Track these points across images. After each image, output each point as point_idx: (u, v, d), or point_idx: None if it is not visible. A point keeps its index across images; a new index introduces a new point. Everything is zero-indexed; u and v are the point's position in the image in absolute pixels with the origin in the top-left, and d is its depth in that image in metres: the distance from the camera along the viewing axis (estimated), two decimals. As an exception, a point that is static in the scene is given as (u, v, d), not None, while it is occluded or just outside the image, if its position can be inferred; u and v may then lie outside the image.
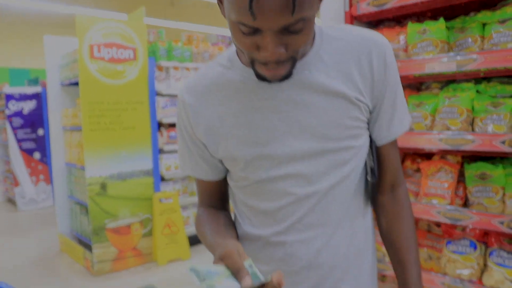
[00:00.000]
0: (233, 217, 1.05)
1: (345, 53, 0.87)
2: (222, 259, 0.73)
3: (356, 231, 0.94)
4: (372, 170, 0.94)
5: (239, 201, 0.99)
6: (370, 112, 0.92)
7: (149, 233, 4.12)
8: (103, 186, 3.82)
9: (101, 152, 3.80)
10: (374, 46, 0.87)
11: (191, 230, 4.43)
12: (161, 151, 4.27)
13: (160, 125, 4.33)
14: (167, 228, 4.08)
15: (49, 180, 6.71)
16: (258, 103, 0.87)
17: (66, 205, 4.53)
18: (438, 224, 1.96)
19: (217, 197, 1.04)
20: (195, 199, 4.49)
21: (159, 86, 4.22)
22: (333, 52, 0.87)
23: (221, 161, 0.97)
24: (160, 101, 4.18)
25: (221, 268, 0.71)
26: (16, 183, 6.48)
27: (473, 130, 1.71)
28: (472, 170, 1.75)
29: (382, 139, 0.94)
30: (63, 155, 4.45)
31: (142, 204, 4.05)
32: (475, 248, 1.74)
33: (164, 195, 4.07)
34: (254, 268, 0.71)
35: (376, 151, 0.96)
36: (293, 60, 0.78)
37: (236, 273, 0.69)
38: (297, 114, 0.86)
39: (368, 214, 0.99)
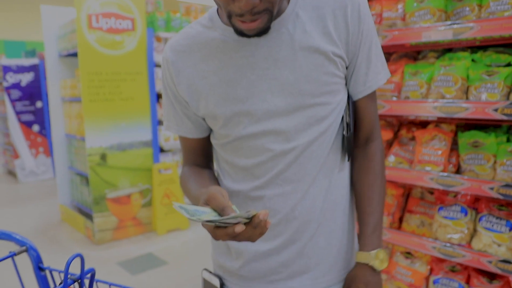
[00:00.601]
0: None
1: (320, 8, 0.89)
2: (207, 202, 0.74)
3: (333, 185, 0.97)
4: (348, 125, 0.97)
5: (221, 158, 1.02)
6: (347, 68, 0.94)
7: (149, 203, 4.19)
8: (103, 157, 3.86)
9: (101, 123, 3.82)
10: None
11: (190, 200, 4.51)
12: (160, 122, 4.29)
13: (159, 96, 4.34)
14: (166, 198, 4.15)
15: (48, 152, 6.75)
16: (237, 60, 0.89)
17: (66, 176, 4.58)
18: (431, 192, 2.01)
19: (201, 155, 1.07)
20: (194, 170, 4.55)
21: (158, 57, 4.21)
22: (308, 8, 0.89)
23: (204, 119, 0.99)
24: (158, 72, 4.18)
25: (207, 209, 0.72)
26: (16, 155, 6.53)
27: (467, 98, 1.75)
28: (465, 138, 1.79)
29: (357, 94, 0.97)
30: (63, 126, 4.48)
31: (141, 175, 4.11)
32: (465, 213, 1.80)
33: (163, 166, 4.12)
34: (238, 212, 0.73)
35: (353, 105, 0.98)
36: (269, 13, 0.80)
37: (222, 211, 0.71)
38: (275, 71, 0.88)
39: (345, 169, 1.01)
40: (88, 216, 4.09)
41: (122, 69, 3.87)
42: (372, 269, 0.96)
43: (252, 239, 0.72)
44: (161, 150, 4.35)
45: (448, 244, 1.77)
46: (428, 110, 1.75)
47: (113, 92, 3.85)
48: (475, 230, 1.78)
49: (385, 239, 1.98)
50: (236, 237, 0.71)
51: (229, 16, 0.81)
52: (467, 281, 1.81)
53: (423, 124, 2.05)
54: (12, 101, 6.41)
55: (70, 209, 4.43)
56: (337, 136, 0.96)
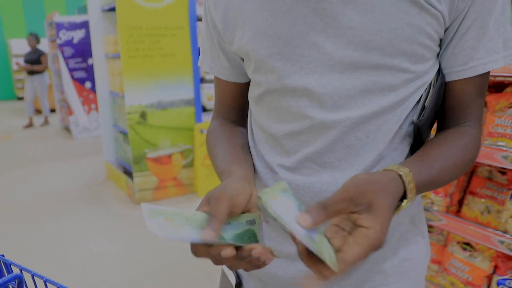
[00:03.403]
0: None
1: None
2: (208, 201, 0.56)
3: None
4: (423, 109, 0.67)
5: (253, 120, 0.81)
6: (445, 30, 0.64)
7: (190, 164, 4.07)
8: (143, 115, 3.74)
9: (140, 80, 3.68)
10: None
11: (233, 163, 4.34)
12: (202, 80, 4.08)
13: (201, 53, 4.11)
14: (208, 160, 4.00)
15: (100, 109, 6.87)
16: None
17: (111, 133, 4.57)
18: (502, 171, 1.63)
19: (235, 107, 0.87)
20: (237, 132, 4.36)
21: (201, 10, 3.94)
22: None
23: (242, 59, 0.79)
24: (201, 27, 3.92)
25: (198, 214, 0.54)
26: (70, 112, 6.68)
27: None
28: (555, 106, 1.39)
29: (453, 74, 0.67)
30: (107, 83, 4.41)
31: (183, 135, 3.97)
32: (547, 201, 1.43)
33: (206, 126, 3.95)
34: (256, 230, 0.57)
35: (442, 85, 0.68)
36: None
37: (210, 220, 0.53)
38: (336, 8, 0.62)
39: None
40: (130, 174, 4.06)
41: (162, 23, 3.66)
42: (400, 180, 0.56)
43: (245, 269, 0.55)
44: (204, 109, 4.16)
45: (520, 239, 1.42)
46: (507, 68, 1.36)
47: (152, 48, 3.67)
48: (559, 224, 1.41)
49: (440, 225, 1.65)
50: (221, 261, 0.53)
51: None
52: (543, 285, 1.47)
53: (498, 87, 1.64)
54: (65, 58, 6.48)
55: (114, 167, 4.43)
56: (406, 120, 0.68)
